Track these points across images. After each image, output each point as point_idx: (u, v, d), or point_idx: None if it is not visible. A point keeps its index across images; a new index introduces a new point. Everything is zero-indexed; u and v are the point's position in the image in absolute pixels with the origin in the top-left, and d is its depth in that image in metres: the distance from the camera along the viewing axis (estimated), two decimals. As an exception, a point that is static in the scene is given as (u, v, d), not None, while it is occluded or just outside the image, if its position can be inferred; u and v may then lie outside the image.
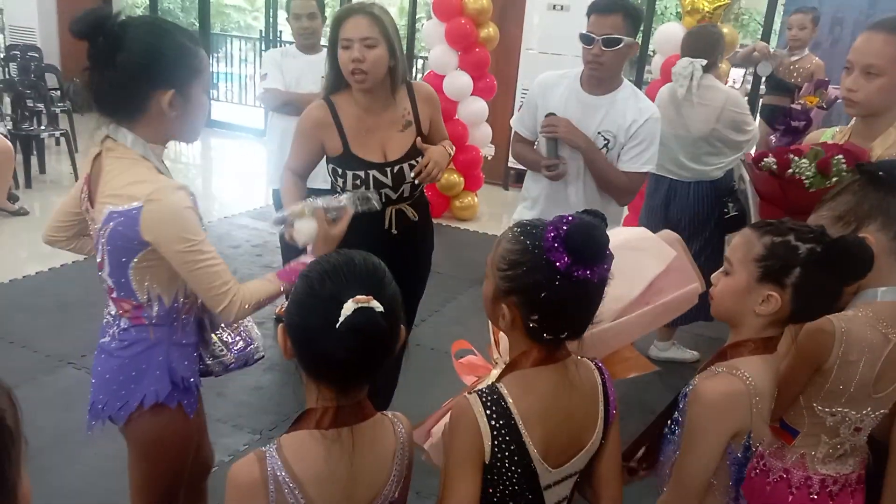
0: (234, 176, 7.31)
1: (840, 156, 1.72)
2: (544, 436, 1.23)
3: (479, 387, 1.41)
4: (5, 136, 5.57)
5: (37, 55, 8.10)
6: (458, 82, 5.74)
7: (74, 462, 2.70)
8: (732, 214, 3.34)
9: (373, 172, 2.29)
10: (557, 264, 1.14)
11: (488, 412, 1.20)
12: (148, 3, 9.50)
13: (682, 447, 1.38)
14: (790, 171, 1.77)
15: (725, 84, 3.81)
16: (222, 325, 1.79)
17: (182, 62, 1.53)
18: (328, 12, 3.62)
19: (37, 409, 2.93)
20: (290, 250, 1.90)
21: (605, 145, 2.58)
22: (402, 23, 13.65)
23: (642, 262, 1.58)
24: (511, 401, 1.21)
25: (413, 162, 2.33)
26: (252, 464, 1.14)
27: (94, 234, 1.59)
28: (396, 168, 2.31)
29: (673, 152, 3.42)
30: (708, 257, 3.42)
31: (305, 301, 1.12)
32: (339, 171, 2.34)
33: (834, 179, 1.70)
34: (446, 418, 1.44)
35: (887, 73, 1.78)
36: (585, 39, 2.51)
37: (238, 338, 1.84)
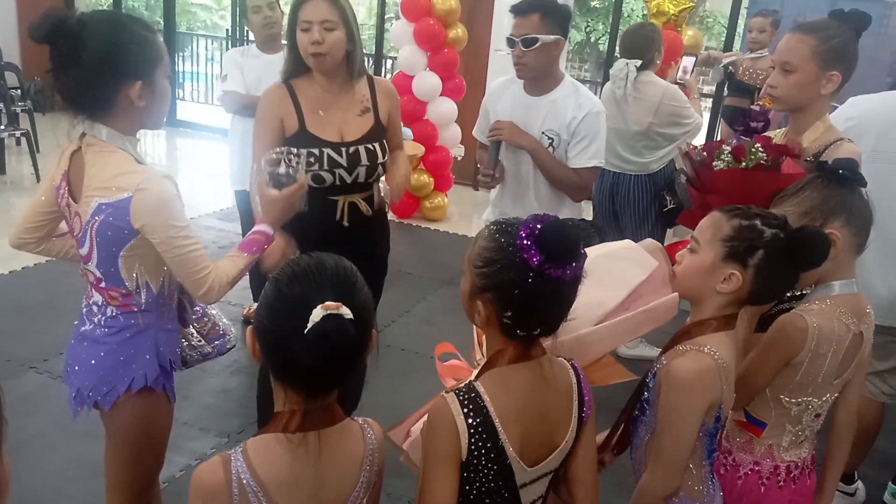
0: (201, 176, 7.22)
1: (758, 144, 1.81)
2: (520, 434, 1.24)
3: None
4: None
5: (-5, 53, 7.91)
6: (427, 83, 5.74)
7: (38, 468, 2.64)
8: (671, 207, 3.47)
9: (328, 151, 2.28)
10: (530, 262, 1.16)
11: (465, 410, 1.21)
12: (111, 1, 9.33)
13: (659, 428, 1.42)
14: (715, 162, 1.85)
15: (675, 73, 3.93)
16: (195, 318, 1.85)
17: (144, 53, 1.57)
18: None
19: (-3, 415, 2.86)
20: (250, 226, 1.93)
21: (551, 144, 2.62)
22: (370, 22, 13.56)
23: (625, 270, 1.62)
24: (488, 398, 1.22)
25: (370, 146, 2.32)
26: (216, 466, 1.14)
27: (78, 228, 1.62)
28: (352, 149, 2.30)
29: (613, 146, 3.47)
30: None
31: (274, 304, 1.11)
32: (295, 150, 2.32)
33: (743, 163, 1.81)
34: (426, 417, 1.43)
35: (801, 70, 1.93)
36: (509, 43, 2.57)
37: (215, 327, 1.91)
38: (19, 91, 7.33)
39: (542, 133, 2.62)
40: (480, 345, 1.59)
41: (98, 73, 1.51)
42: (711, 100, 7.34)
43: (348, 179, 2.31)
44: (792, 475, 1.62)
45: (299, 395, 1.14)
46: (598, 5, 15.61)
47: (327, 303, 1.05)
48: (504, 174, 2.70)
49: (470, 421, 1.20)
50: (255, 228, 1.75)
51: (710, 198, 1.86)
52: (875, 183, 1.73)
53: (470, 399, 1.22)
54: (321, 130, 2.31)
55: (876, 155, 2.26)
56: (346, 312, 1.06)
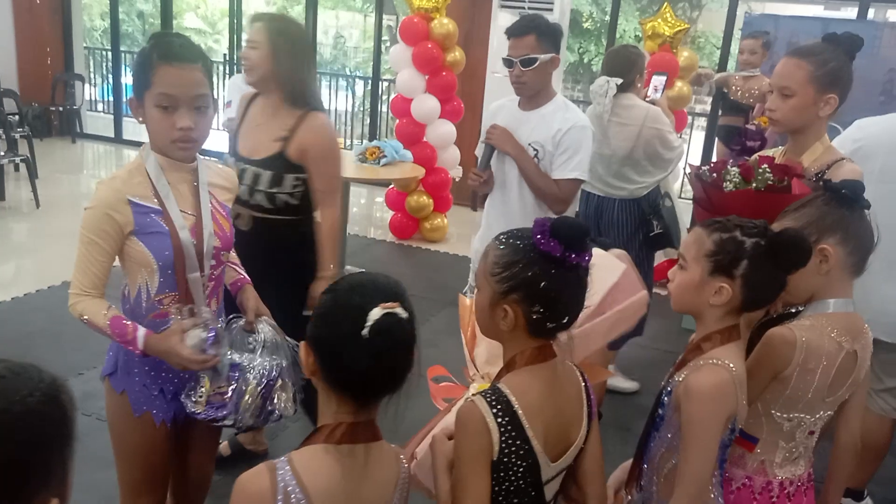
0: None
1: (765, 165, 1.86)
2: (543, 430, 1.29)
3: (458, 403, 1.48)
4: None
5: (-6, 80, 7.94)
6: (426, 106, 5.79)
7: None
8: (657, 232, 3.45)
9: (233, 161, 2.45)
10: (553, 254, 1.23)
11: (494, 410, 1.25)
12: (108, 26, 9.40)
13: (683, 445, 1.44)
14: (725, 184, 1.90)
15: (645, 91, 3.74)
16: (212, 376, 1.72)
17: (138, 73, 1.65)
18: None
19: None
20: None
21: (536, 155, 2.71)
22: (366, 45, 13.57)
23: (598, 275, 1.68)
24: (514, 398, 1.27)
25: (259, 171, 2.36)
26: (262, 474, 1.14)
27: None
28: (246, 167, 2.39)
29: (596, 170, 3.41)
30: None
31: (332, 312, 1.17)
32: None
33: (754, 185, 1.85)
34: (429, 439, 1.46)
35: (798, 94, 1.98)
36: (507, 63, 2.68)
37: (226, 395, 1.73)
38: (17, 117, 7.34)
39: (529, 144, 2.71)
40: (473, 360, 1.63)
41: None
42: (706, 119, 7.42)
43: (246, 195, 2.38)
44: (786, 491, 1.63)
45: (350, 406, 1.17)
46: (589, 27, 15.77)
47: (385, 303, 1.12)
48: (492, 179, 2.81)
49: (499, 420, 1.25)
50: (136, 334, 1.64)
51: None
52: (884, 203, 1.76)
53: (497, 399, 1.26)
54: (243, 143, 2.47)
55: (884, 176, 2.30)
56: (402, 312, 1.13)
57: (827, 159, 2.00)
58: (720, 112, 5.58)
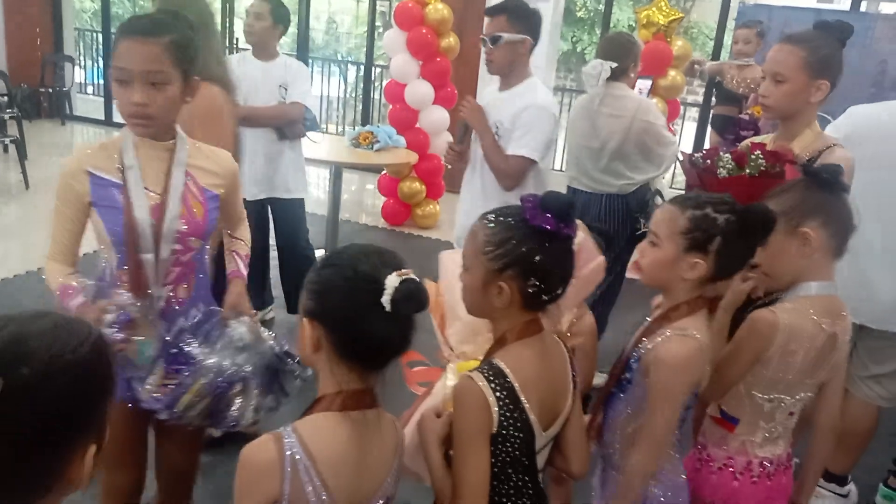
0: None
1: (757, 151, 1.90)
2: (538, 401, 1.33)
3: (439, 384, 1.54)
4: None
5: (-18, 60, 7.87)
6: (420, 91, 5.77)
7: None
8: (644, 231, 3.27)
9: None
10: (547, 227, 1.26)
11: (492, 385, 1.28)
12: (99, 8, 9.30)
13: (649, 409, 1.50)
14: (718, 170, 1.93)
15: (633, 83, 3.53)
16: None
17: (112, 46, 1.62)
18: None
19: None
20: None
21: (497, 132, 2.78)
22: (358, 31, 13.49)
23: None
24: (510, 372, 1.30)
25: None
26: (268, 443, 1.15)
27: None
28: None
29: (584, 165, 3.34)
30: (618, 275, 3.36)
31: (343, 285, 1.17)
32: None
33: (747, 171, 1.89)
34: (412, 423, 1.49)
35: (790, 80, 2.01)
36: (482, 42, 2.78)
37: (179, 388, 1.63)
38: (7, 98, 7.28)
39: (493, 122, 2.79)
40: (446, 341, 1.65)
41: None
42: (698, 109, 7.44)
43: None
44: (766, 471, 1.67)
45: (358, 373, 1.20)
46: (583, 16, 15.73)
47: (399, 270, 1.15)
48: (467, 156, 2.90)
49: (498, 394, 1.28)
50: (71, 302, 1.59)
51: None
52: (875, 189, 1.78)
53: (494, 374, 1.29)
54: None
55: (875, 162, 2.31)
56: (416, 276, 1.16)
57: (818, 145, 2.03)
58: (714, 102, 5.60)
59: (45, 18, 8.90)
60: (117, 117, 9.24)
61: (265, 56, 3.60)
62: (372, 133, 4.91)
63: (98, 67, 10.71)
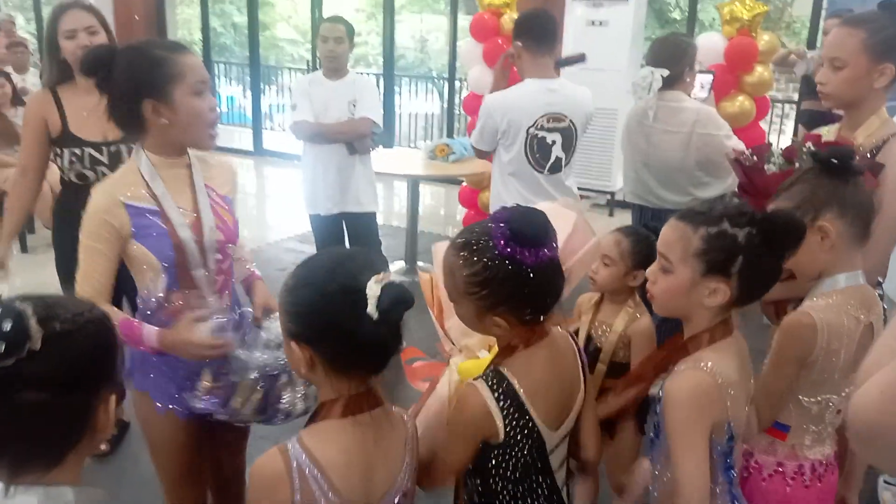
0: (282, 202, 7.50)
1: (808, 143, 1.78)
2: (546, 406, 1.31)
3: (438, 383, 1.53)
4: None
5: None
6: (497, 102, 5.77)
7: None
8: None
9: (88, 150, 2.50)
10: (526, 262, 1.22)
11: (496, 394, 1.27)
12: (200, 38, 9.88)
13: (672, 456, 1.35)
14: (767, 165, 1.84)
15: (691, 88, 3.10)
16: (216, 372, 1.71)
17: (154, 72, 1.60)
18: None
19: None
20: None
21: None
22: (439, 47, 13.63)
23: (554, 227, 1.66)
24: (516, 381, 1.28)
25: (132, 146, 2.35)
26: (274, 456, 1.17)
27: None
28: (114, 148, 2.52)
29: (645, 181, 3.03)
30: None
31: (325, 305, 1.15)
32: (58, 150, 2.53)
33: (797, 164, 1.78)
34: (423, 416, 1.50)
35: (850, 65, 1.88)
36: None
37: (225, 391, 1.70)
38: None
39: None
40: (447, 335, 1.61)
41: (119, 95, 1.62)
42: (795, 107, 7.08)
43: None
44: (817, 473, 1.59)
45: (358, 380, 1.21)
46: (677, 17, 15.31)
47: (376, 276, 1.13)
48: None
49: (502, 404, 1.26)
50: (146, 332, 1.61)
51: (765, 203, 1.83)
52: None
53: (499, 383, 1.28)
54: (84, 131, 2.50)
55: None
56: (395, 277, 1.16)
57: (883, 134, 1.89)
58: (799, 96, 5.32)
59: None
60: (219, 142, 9.76)
61: (337, 75, 3.73)
62: (448, 145, 4.98)
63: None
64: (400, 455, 1.28)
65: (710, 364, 1.33)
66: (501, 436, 1.28)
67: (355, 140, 3.67)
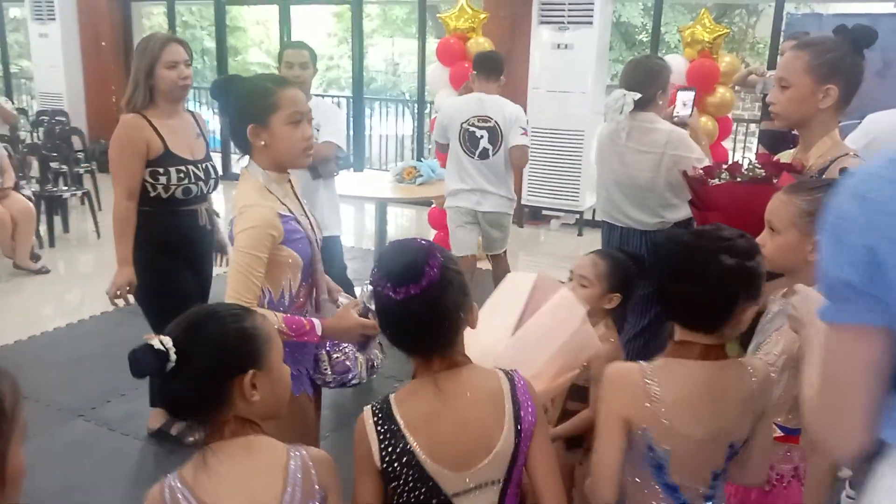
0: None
1: (756, 161, 1.91)
2: (431, 439, 1.29)
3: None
4: (29, 198, 5.77)
5: (64, 119, 8.41)
6: (465, 124, 5.81)
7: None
8: None
9: (191, 167, 2.82)
10: (389, 298, 1.29)
11: (375, 418, 1.31)
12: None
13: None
14: (712, 180, 1.92)
15: (671, 107, 3.16)
16: (331, 346, 2.01)
17: (255, 101, 1.86)
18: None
19: (45, 461, 2.98)
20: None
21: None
22: (412, 70, 13.77)
23: (512, 295, 1.69)
24: (395, 406, 1.32)
25: (212, 163, 2.94)
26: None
27: None
28: (204, 165, 2.90)
29: (617, 201, 3.07)
30: (656, 315, 2.96)
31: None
32: (161, 170, 2.78)
33: (738, 178, 1.89)
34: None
35: (795, 85, 1.94)
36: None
37: (345, 360, 2.02)
38: (83, 153, 7.75)
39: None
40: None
41: (232, 118, 1.90)
42: (758, 126, 7.20)
43: (205, 190, 2.89)
44: None
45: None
46: (644, 39, 15.58)
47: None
48: None
49: (379, 428, 1.30)
50: (313, 323, 1.84)
51: (711, 215, 1.88)
52: None
53: (381, 408, 1.33)
54: (180, 151, 2.83)
55: None
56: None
57: (834, 153, 1.93)
58: (761, 116, 5.42)
59: (121, 77, 9.45)
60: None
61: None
62: (415, 168, 4.98)
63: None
64: (278, 479, 1.24)
65: (645, 364, 1.40)
66: (378, 460, 1.29)
67: (319, 164, 3.65)
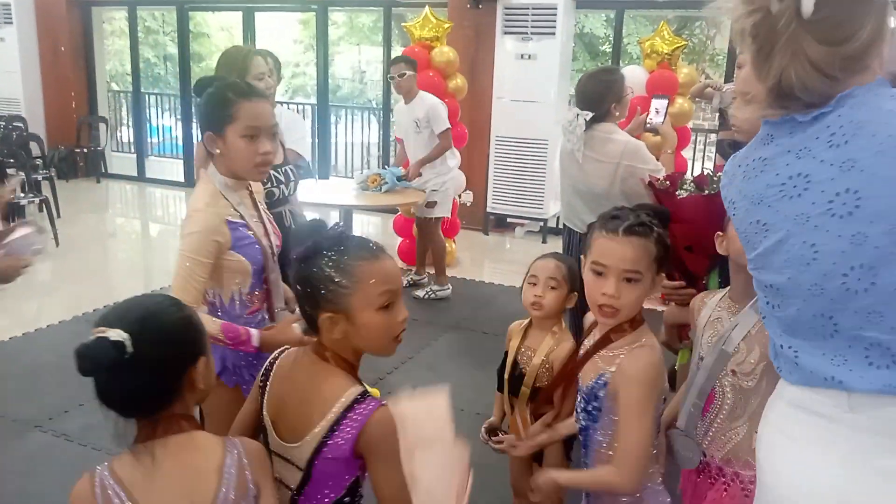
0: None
1: (720, 173, 1.86)
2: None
3: None
4: (-16, 205, 5.64)
5: (21, 125, 8.25)
6: (430, 132, 5.85)
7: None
8: None
9: (272, 172, 2.81)
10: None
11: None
12: (129, 70, 9.71)
13: (622, 428, 1.51)
14: (678, 191, 1.93)
15: (645, 113, 3.26)
16: None
17: (214, 109, 1.90)
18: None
19: (1, 474, 2.92)
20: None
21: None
22: (378, 78, 13.75)
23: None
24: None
25: (291, 167, 2.99)
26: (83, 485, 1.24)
27: None
28: (284, 168, 2.93)
29: (576, 208, 3.17)
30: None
31: None
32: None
33: (706, 191, 1.91)
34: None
35: (756, 98, 1.95)
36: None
37: None
38: (41, 160, 7.61)
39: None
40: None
41: (199, 121, 1.99)
42: (717, 135, 7.35)
43: (286, 192, 2.93)
44: None
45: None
46: (608, 49, 15.80)
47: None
48: None
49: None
50: (250, 334, 1.83)
51: (675, 227, 1.88)
52: None
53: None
54: None
55: None
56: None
57: None
58: (718, 127, 5.54)
59: (80, 82, 9.31)
60: (150, 173, 9.62)
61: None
62: (379, 176, 5.00)
63: (128, 127, 11.13)
64: (203, 487, 1.21)
65: (654, 343, 1.54)
66: None
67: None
